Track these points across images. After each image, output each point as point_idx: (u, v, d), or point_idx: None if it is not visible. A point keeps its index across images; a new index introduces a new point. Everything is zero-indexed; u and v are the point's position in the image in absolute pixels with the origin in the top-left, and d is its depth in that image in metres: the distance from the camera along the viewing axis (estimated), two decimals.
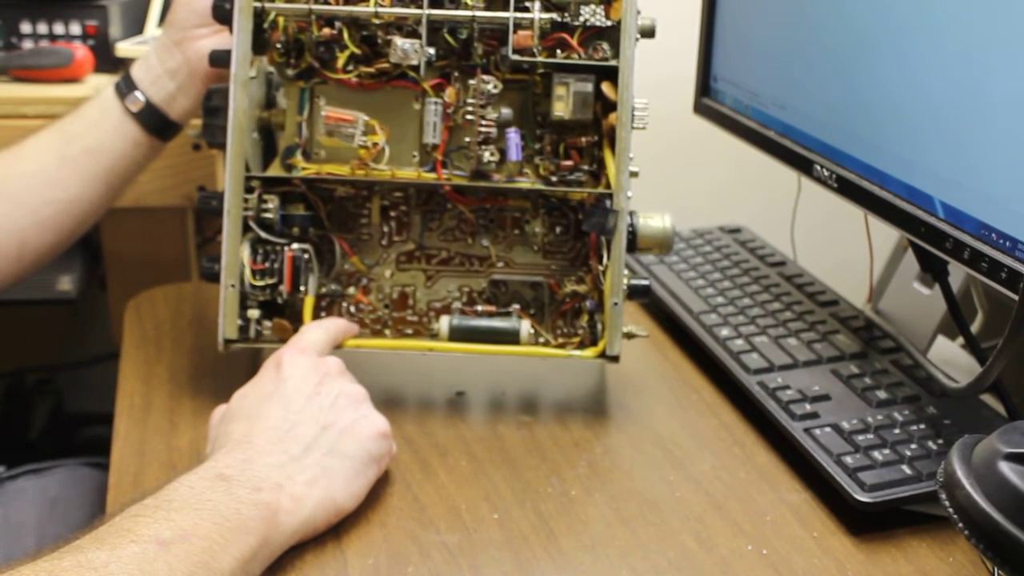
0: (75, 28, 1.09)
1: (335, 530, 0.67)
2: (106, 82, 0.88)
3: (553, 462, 0.75)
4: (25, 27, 1.09)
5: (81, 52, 1.06)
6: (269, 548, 0.62)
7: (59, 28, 1.09)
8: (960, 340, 0.89)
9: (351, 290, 0.82)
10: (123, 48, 1.09)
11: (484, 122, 0.78)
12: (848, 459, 0.71)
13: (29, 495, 0.93)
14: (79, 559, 0.54)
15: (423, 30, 0.77)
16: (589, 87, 0.78)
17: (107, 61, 1.08)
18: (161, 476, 0.72)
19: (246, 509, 0.61)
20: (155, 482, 0.67)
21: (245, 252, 0.77)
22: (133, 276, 1.11)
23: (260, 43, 0.78)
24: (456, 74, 0.79)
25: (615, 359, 0.78)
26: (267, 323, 0.79)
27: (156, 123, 0.86)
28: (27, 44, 1.09)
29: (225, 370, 0.84)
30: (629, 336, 0.80)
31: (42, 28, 1.09)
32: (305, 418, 0.68)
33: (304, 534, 0.65)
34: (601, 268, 0.78)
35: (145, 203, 1.06)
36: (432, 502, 0.70)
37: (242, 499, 0.61)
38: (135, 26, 1.14)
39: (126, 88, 0.86)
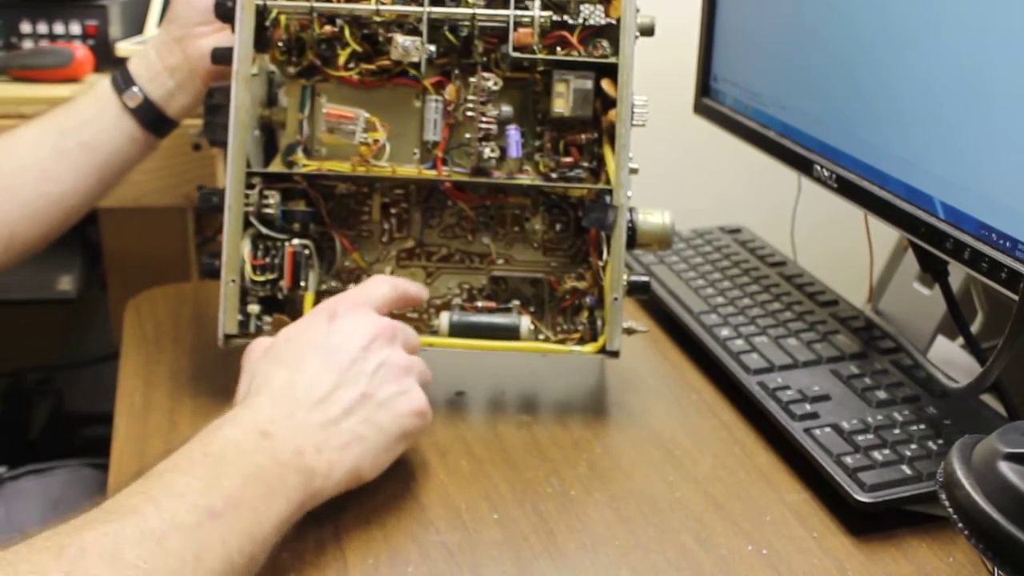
0: (75, 28, 1.09)
1: (335, 530, 0.66)
2: None
3: (553, 462, 0.75)
4: (25, 27, 1.09)
5: (81, 52, 1.06)
6: (300, 511, 0.63)
7: (59, 28, 1.09)
8: (960, 340, 0.89)
9: (351, 287, 0.82)
10: (123, 48, 1.09)
11: (484, 119, 0.78)
12: (848, 459, 0.70)
13: (31, 495, 0.93)
14: (140, 527, 0.54)
15: (424, 28, 0.77)
16: (589, 84, 0.78)
17: (107, 61, 1.08)
18: None
19: (288, 475, 0.61)
20: None
21: (246, 247, 0.77)
22: (133, 276, 1.11)
23: (262, 41, 0.78)
24: (457, 71, 0.79)
25: (615, 354, 0.78)
26: (267, 318, 0.79)
27: (153, 120, 0.86)
28: (27, 44, 1.09)
29: (225, 370, 0.84)
30: (629, 332, 0.80)
31: (42, 28, 1.09)
32: (348, 380, 0.67)
33: (328, 498, 0.65)
34: (601, 264, 0.78)
35: (145, 203, 1.06)
36: (432, 502, 0.70)
37: (285, 463, 0.61)
38: (135, 26, 1.14)
39: (123, 84, 0.85)
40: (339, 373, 0.67)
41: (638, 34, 0.77)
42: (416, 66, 0.78)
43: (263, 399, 0.65)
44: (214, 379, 0.84)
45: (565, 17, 0.78)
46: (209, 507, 0.57)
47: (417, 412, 0.69)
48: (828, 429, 0.74)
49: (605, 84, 0.78)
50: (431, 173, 0.80)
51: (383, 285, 0.74)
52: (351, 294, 0.72)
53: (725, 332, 0.89)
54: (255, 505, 0.59)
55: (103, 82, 0.87)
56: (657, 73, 0.92)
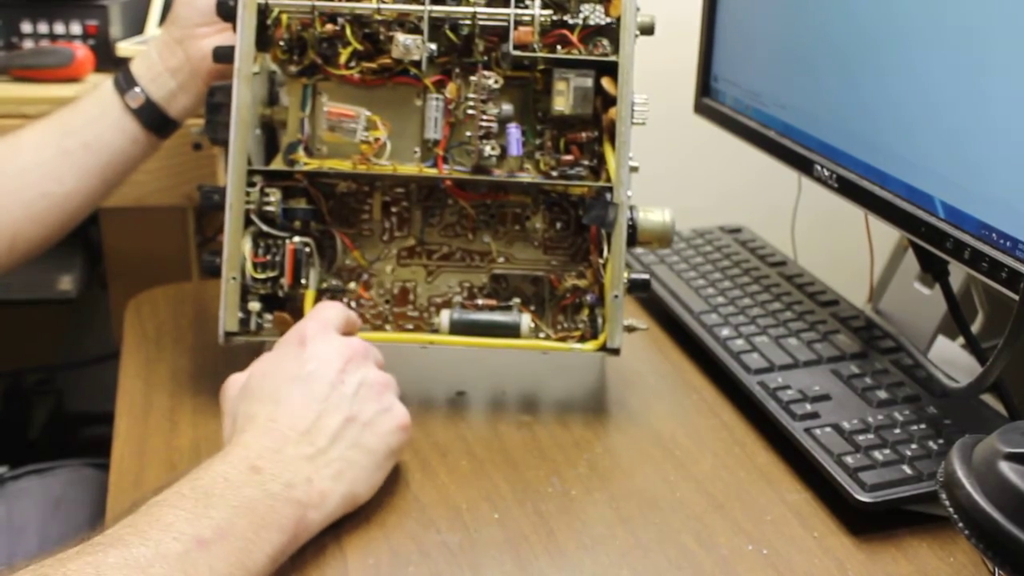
0: (75, 28, 1.09)
1: (335, 530, 0.66)
2: None
3: (553, 462, 0.75)
4: (25, 27, 1.09)
5: (81, 52, 1.06)
6: (296, 543, 0.62)
7: (59, 28, 1.09)
8: (960, 340, 0.89)
9: (352, 285, 0.82)
10: (123, 48, 1.09)
11: (485, 117, 0.78)
12: (848, 459, 0.70)
13: (32, 495, 0.93)
14: (124, 555, 0.54)
15: (425, 26, 0.77)
16: (589, 82, 0.78)
17: (107, 61, 1.08)
18: (162, 476, 0.72)
19: (280, 507, 0.61)
20: (156, 482, 0.67)
21: (247, 245, 0.78)
22: (133, 276, 1.11)
23: (263, 40, 0.78)
24: (457, 70, 0.80)
25: (616, 352, 0.77)
26: (268, 316, 0.79)
27: (155, 120, 0.86)
28: (27, 44, 1.09)
29: (225, 370, 0.84)
30: (629, 329, 0.80)
31: (42, 28, 1.09)
32: (330, 407, 0.67)
33: (324, 526, 0.65)
34: (601, 261, 0.78)
35: (145, 203, 1.06)
36: (432, 502, 0.70)
37: (276, 496, 0.61)
38: (135, 26, 1.14)
39: (126, 84, 0.86)
40: (320, 401, 0.67)
41: (638, 33, 0.78)
42: (417, 64, 0.78)
43: (249, 435, 0.65)
44: (215, 378, 0.84)
45: (565, 16, 0.78)
46: (197, 536, 0.56)
47: (402, 427, 0.69)
48: (828, 429, 0.74)
49: (605, 82, 0.78)
50: (432, 171, 0.80)
51: (335, 308, 0.74)
52: (314, 319, 0.72)
53: (725, 332, 0.88)
54: (245, 535, 0.59)
55: (106, 83, 0.87)
56: (658, 72, 0.92)
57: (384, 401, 0.69)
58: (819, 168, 0.86)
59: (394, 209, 0.82)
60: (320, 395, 0.67)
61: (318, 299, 0.80)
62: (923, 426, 0.74)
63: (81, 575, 0.53)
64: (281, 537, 0.61)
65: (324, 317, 0.73)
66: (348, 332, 0.74)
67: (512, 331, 0.79)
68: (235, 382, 0.70)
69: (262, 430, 0.65)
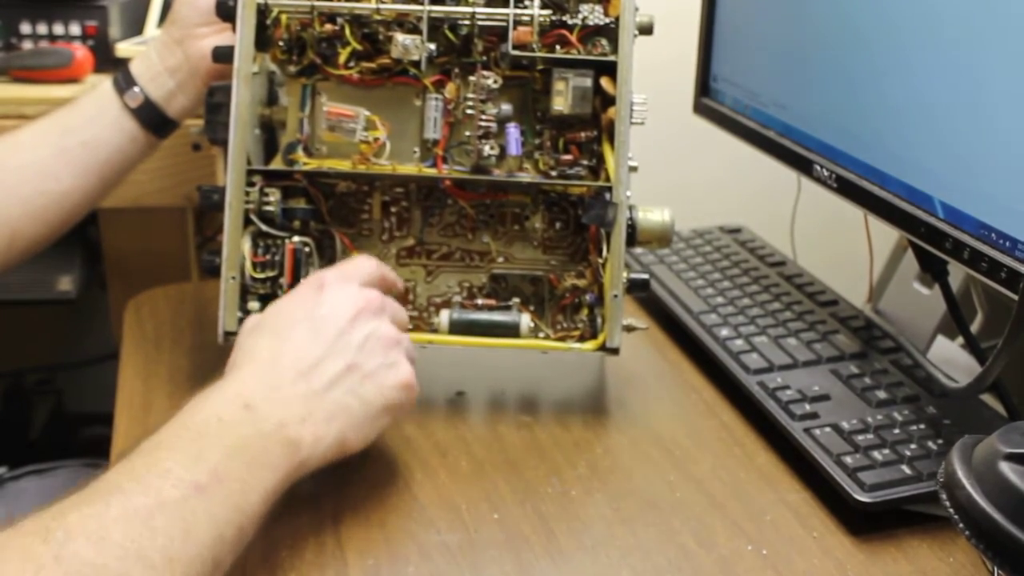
0: (75, 28, 1.09)
1: (335, 530, 0.66)
2: None
3: (553, 462, 0.75)
4: (25, 27, 1.09)
5: (81, 52, 1.06)
6: (287, 482, 0.63)
7: (59, 28, 1.09)
8: (960, 340, 0.89)
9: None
10: (123, 48, 1.09)
11: (484, 117, 0.78)
12: (848, 459, 0.70)
13: (31, 496, 0.93)
14: (125, 506, 0.54)
15: (424, 26, 0.77)
16: (588, 81, 0.78)
17: (107, 61, 1.08)
18: None
19: (272, 446, 0.62)
20: None
21: (246, 245, 0.78)
22: (133, 276, 1.11)
23: (263, 40, 0.78)
24: (457, 70, 0.80)
25: (615, 351, 0.77)
26: None
27: (154, 120, 0.86)
28: (27, 44, 1.09)
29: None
30: (629, 329, 0.79)
31: (42, 28, 1.09)
32: (334, 352, 0.67)
33: (315, 468, 0.65)
34: (601, 261, 0.78)
35: (145, 203, 1.06)
36: (432, 502, 0.70)
37: (269, 435, 0.62)
38: (135, 26, 1.14)
39: (125, 84, 0.86)
40: (326, 344, 0.67)
41: (637, 33, 0.78)
42: (416, 64, 0.78)
43: (247, 371, 0.65)
44: (214, 378, 0.84)
45: (564, 16, 0.78)
46: (194, 482, 0.57)
47: (403, 385, 0.69)
48: (828, 429, 0.74)
49: (604, 82, 0.78)
50: (431, 171, 0.80)
51: (369, 262, 0.74)
52: (339, 268, 0.73)
53: (725, 332, 0.88)
54: (240, 476, 0.59)
55: (105, 83, 0.87)
56: (657, 72, 0.92)
57: (390, 357, 0.69)
58: (819, 168, 0.86)
59: (393, 209, 0.82)
60: (326, 339, 0.67)
61: None
62: (922, 426, 0.74)
63: (84, 527, 0.53)
64: (274, 476, 0.61)
65: (348, 268, 0.73)
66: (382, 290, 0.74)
67: (511, 331, 0.79)
68: (252, 319, 0.71)
69: (261, 366, 0.66)
